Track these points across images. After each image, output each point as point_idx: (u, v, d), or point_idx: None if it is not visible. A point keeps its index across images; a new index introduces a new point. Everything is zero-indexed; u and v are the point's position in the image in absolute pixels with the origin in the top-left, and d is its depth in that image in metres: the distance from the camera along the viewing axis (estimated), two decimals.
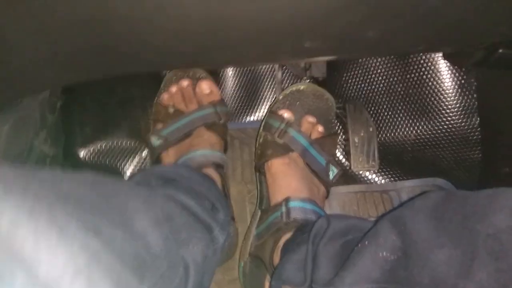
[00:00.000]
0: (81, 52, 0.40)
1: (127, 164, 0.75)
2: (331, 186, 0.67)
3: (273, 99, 0.77)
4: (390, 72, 0.73)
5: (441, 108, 0.70)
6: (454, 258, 0.32)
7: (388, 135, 0.74)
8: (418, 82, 0.71)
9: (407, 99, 0.72)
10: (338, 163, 0.71)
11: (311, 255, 0.45)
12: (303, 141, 0.63)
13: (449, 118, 0.70)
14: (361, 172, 0.74)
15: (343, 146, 0.75)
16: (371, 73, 0.74)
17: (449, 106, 0.70)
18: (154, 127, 0.69)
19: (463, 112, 0.69)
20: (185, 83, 0.68)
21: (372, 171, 0.74)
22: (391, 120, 0.73)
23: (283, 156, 0.63)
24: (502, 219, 0.31)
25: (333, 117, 0.70)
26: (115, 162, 0.74)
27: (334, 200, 0.71)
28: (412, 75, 0.72)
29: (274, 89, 0.78)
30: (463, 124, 0.70)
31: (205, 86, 0.68)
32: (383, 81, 0.74)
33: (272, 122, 0.65)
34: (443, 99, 0.70)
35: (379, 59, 0.73)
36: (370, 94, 0.75)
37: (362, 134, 0.73)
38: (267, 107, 0.77)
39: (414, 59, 0.71)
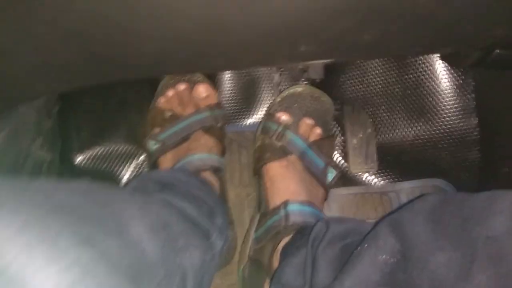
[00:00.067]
0: (76, 59, 0.39)
1: (124, 169, 0.74)
2: (330, 189, 0.66)
3: (271, 101, 0.77)
4: (387, 73, 0.73)
5: (439, 109, 0.70)
6: (453, 261, 0.31)
7: (386, 136, 0.73)
8: (416, 83, 0.71)
9: (405, 100, 0.72)
10: (336, 165, 0.71)
11: (311, 259, 0.45)
12: (301, 143, 0.63)
13: (447, 119, 0.70)
14: (359, 173, 0.74)
15: (341, 148, 0.75)
16: (368, 74, 0.74)
17: (447, 107, 0.70)
18: (151, 131, 0.68)
19: (461, 112, 0.69)
20: (182, 86, 0.68)
21: (370, 173, 0.74)
22: (389, 121, 0.73)
23: (281, 159, 0.62)
24: (501, 222, 0.30)
25: (331, 119, 0.70)
26: (112, 167, 0.74)
27: (333, 202, 0.71)
28: (410, 76, 0.71)
29: (271, 92, 0.78)
30: (461, 124, 0.69)
31: (202, 90, 0.68)
32: (380, 82, 0.74)
33: (270, 125, 0.65)
34: (441, 100, 0.70)
35: (377, 61, 0.73)
36: (368, 96, 0.74)
37: (360, 135, 0.73)
38: (264, 109, 0.77)
39: (412, 60, 0.71)
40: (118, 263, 0.28)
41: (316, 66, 0.71)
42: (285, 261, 0.49)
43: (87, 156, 0.73)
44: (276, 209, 0.58)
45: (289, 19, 0.35)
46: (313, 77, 0.74)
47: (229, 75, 0.78)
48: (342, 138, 0.74)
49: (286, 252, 0.52)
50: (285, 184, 0.60)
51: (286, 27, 0.36)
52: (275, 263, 0.54)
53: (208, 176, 0.62)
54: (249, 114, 0.78)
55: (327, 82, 0.76)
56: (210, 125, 0.66)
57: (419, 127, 0.71)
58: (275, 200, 0.60)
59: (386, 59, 0.73)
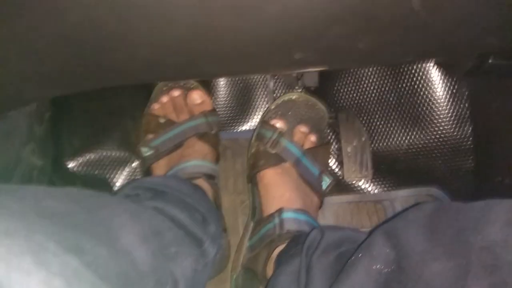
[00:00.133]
0: (68, 65, 0.39)
1: (117, 175, 0.74)
2: (324, 196, 0.66)
3: (265, 108, 0.76)
4: (382, 81, 0.73)
5: (433, 117, 0.70)
6: (448, 271, 0.31)
7: (381, 144, 0.73)
8: (410, 91, 0.71)
9: (400, 108, 0.72)
10: (331, 173, 0.71)
11: (305, 267, 0.44)
12: (295, 151, 0.63)
13: (441, 127, 0.70)
14: (354, 181, 0.74)
15: (335, 156, 0.75)
16: (363, 82, 0.74)
17: (442, 115, 0.70)
18: (145, 137, 0.68)
19: (456, 120, 0.69)
20: (176, 93, 0.68)
21: (365, 181, 0.73)
22: (383, 129, 0.73)
23: (275, 167, 0.62)
24: (495, 232, 0.30)
25: (325, 126, 0.70)
26: (104, 173, 0.73)
27: (327, 211, 0.71)
28: (404, 84, 0.72)
29: (266, 99, 0.78)
30: (455, 133, 0.70)
31: (196, 96, 0.68)
32: (375, 90, 0.74)
33: (264, 132, 0.64)
34: (436, 108, 0.70)
35: (371, 69, 0.74)
36: (363, 103, 0.74)
37: (354, 143, 0.72)
38: (259, 116, 0.77)
39: (406, 68, 0.71)
40: (107, 272, 0.27)
41: (311, 73, 0.71)
42: (279, 269, 0.48)
43: (80, 162, 0.72)
44: (271, 216, 0.57)
45: (284, 27, 0.35)
46: (308, 85, 0.74)
47: (223, 81, 0.78)
48: (337, 146, 0.74)
49: (280, 261, 0.51)
50: (280, 191, 0.60)
51: (281, 35, 0.35)
52: (269, 271, 0.54)
53: (202, 183, 0.61)
54: (244, 121, 0.78)
55: (322, 90, 0.76)
56: (204, 132, 0.65)
57: (413, 135, 0.71)
58: (270, 207, 0.59)
59: (381, 67, 0.73)
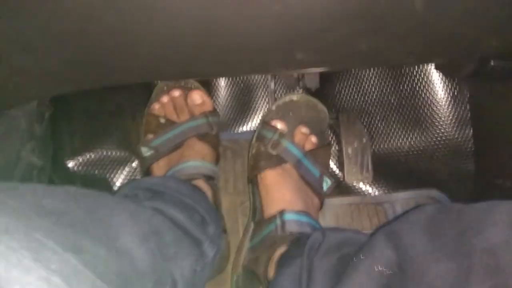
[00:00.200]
0: (70, 64, 0.39)
1: (117, 175, 0.73)
2: (325, 198, 0.66)
3: (266, 109, 0.76)
4: (383, 83, 0.73)
5: (434, 119, 0.70)
6: (450, 273, 0.31)
7: (381, 146, 0.73)
8: (411, 93, 0.71)
9: (400, 110, 0.72)
10: (331, 175, 0.71)
11: (306, 269, 0.44)
12: (296, 152, 0.62)
13: (442, 129, 0.70)
14: (354, 183, 0.73)
15: (336, 157, 0.74)
16: (364, 84, 0.74)
17: (442, 117, 0.70)
18: (145, 137, 0.68)
19: (456, 123, 0.69)
20: (176, 93, 0.68)
21: (365, 182, 0.73)
22: (384, 131, 0.73)
23: (276, 168, 0.62)
24: (497, 234, 0.30)
25: (326, 128, 0.69)
26: (104, 172, 0.73)
27: (328, 212, 0.70)
28: (405, 86, 0.72)
29: (266, 100, 0.78)
30: (456, 135, 0.69)
31: (197, 97, 0.68)
32: (376, 92, 0.74)
33: (265, 133, 0.64)
34: (436, 110, 0.70)
35: (372, 70, 0.74)
36: (363, 105, 0.74)
37: (355, 145, 0.72)
38: (259, 117, 0.77)
39: (407, 70, 0.71)
40: (106, 271, 0.27)
41: (312, 75, 0.71)
42: (280, 271, 0.48)
43: (79, 162, 0.72)
44: (272, 218, 0.57)
45: (285, 28, 0.35)
46: (308, 86, 0.74)
47: (224, 82, 0.78)
48: (337, 147, 0.74)
49: (282, 262, 0.51)
50: (281, 193, 0.60)
51: (282, 35, 0.35)
52: (271, 273, 0.54)
53: (201, 184, 0.61)
54: (244, 122, 0.78)
55: (323, 91, 0.76)
56: (204, 132, 0.65)
57: (414, 138, 0.71)
58: (271, 209, 0.59)
59: (382, 69, 0.73)
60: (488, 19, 0.37)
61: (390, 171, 0.73)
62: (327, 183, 0.65)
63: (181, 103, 0.68)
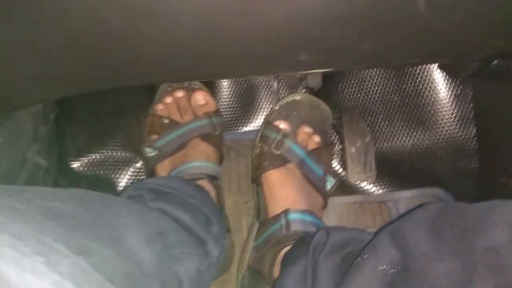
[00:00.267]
0: (74, 67, 0.39)
1: (121, 175, 0.74)
2: (329, 197, 0.66)
3: (269, 109, 0.76)
4: (386, 82, 0.73)
5: (437, 118, 0.70)
6: (453, 272, 0.31)
7: (384, 145, 0.73)
8: (414, 92, 0.71)
9: (403, 109, 0.72)
10: (335, 174, 0.71)
11: (311, 268, 0.44)
12: (300, 152, 0.63)
13: (445, 128, 0.70)
14: (358, 182, 0.74)
15: (339, 157, 0.75)
16: (367, 83, 0.74)
17: (446, 116, 0.70)
18: (149, 138, 0.68)
19: (460, 122, 0.69)
20: (180, 94, 0.68)
21: (369, 181, 0.73)
22: (387, 130, 0.73)
23: (280, 168, 0.62)
24: (500, 233, 0.30)
25: (329, 127, 0.70)
26: (109, 173, 0.73)
27: (332, 211, 0.71)
28: (408, 85, 0.72)
29: (270, 99, 0.78)
30: (459, 134, 0.69)
31: (200, 97, 0.68)
32: (379, 91, 0.74)
33: (268, 133, 0.64)
34: (439, 109, 0.70)
35: (375, 70, 0.74)
36: (366, 104, 0.74)
37: (358, 144, 0.72)
38: (263, 117, 0.77)
39: (410, 69, 0.71)
40: (114, 272, 0.27)
41: (315, 74, 0.71)
42: (285, 270, 0.48)
43: (84, 163, 0.73)
44: (277, 217, 0.57)
45: (289, 29, 0.35)
46: (311, 85, 0.74)
47: (227, 82, 0.78)
48: (341, 146, 0.74)
49: (287, 262, 0.52)
50: (285, 192, 0.60)
51: (286, 37, 0.36)
52: (276, 272, 0.54)
53: (205, 184, 0.61)
54: (247, 122, 0.78)
55: (326, 91, 0.76)
56: (208, 133, 0.66)
57: (417, 136, 0.71)
58: (275, 208, 0.59)
59: (384, 68, 0.73)
60: (492, 19, 0.37)
61: (394, 169, 0.73)
62: (330, 182, 0.65)
63: (184, 104, 0.68)
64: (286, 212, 0.57)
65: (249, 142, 0.74)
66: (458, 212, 0.35)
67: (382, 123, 0.73)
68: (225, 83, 0.78)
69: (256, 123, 0.78)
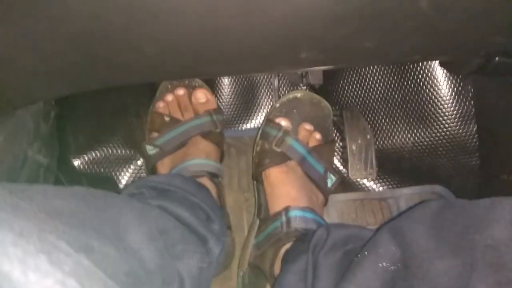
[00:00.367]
0: (75, 65, 0.39)
1: (122, 173, 0.74)
2: (329, 194, 0.66)
3: (270, 106, 0.76)
4: (387, 79, 0.73)
5: (438, 115, 0.70)
6: (453, 269, 0.31)
7: (385, 142, 0.73)
8: (415, 89, 0.71)
9: (404, 106, 0.72)
10: (335, 171, 0.71)
11: (312, 265, 0.44)
12: (301, 149, 0.63)
13: (446, 125, 0.70)
14: (359, 179, 0.74)
15: (340, 154, 0.75)
16: (368, 80, 0.74)
17: (447, 113, 0.70)
18: (149, 135, 0.68)
19: (461, 119, 0.69)
20: (180, 91, 0.68)
21: (370, 179, 0.73)
22: (388, 127, 0.73)
23: (281, 165, 0.62)
24: (500, 230, 0.30)
25: (330, 124, 0.70)
26: (110, 170, 0.73)
27: (332, 208, 0.71)
28: (409, 82, 0.72)
29: (270, 97, 0.78)
30: (460, 131, 0.69)
31: (201, 95, 0.68)
32: (380, 88, 0.74)
33: (269, 130, 0.64)
34: (440, 106, 0.70)
35: (376, 67, 0.73)
36: (367, 101, 0.74)
37: (359, 141, 0.72)
38: (263, 114, 0.77)
39: (411, 66, 0.71)
40: (116, 270, 0.27)
41: (316, 71, 0.71)
42: (286, 267, 0.49)
43: (85, 160, 0.73)
44: (277, 215, 0.57)
45: (290, 27, 0.35)
46: (312, 83, 0.74)
47: (228, 80, 0.78)
48: (341, 143, 0.74)
49: (287, 259, 0.52)
50: (286, 190, 0.60)
51: (287, 34, 0.36)
52: (277, 269, 0.54)
53: (205, 181, 0.62)
54: (248, 119, 0.78)
55: (327, 88, 0.76)
56: (209, 130, 0.66)
57: (418, 134, 0.71)
58: (276, 205, 0.59)
59: (385, 65, 0.73)
60: (494, 16, 0.37)
61: (394, 167, 0.73)
62: (331, 180, 0.65)
63: (185, 102, 0.68)
64: (286, 209, 0.57)
65: (250, 139, 0.74)
66: (458, 209, 0.35)
67: (383, 120, 0.73)
68: (225, 80, 0.78)
69: (257, 121, 0.78)
